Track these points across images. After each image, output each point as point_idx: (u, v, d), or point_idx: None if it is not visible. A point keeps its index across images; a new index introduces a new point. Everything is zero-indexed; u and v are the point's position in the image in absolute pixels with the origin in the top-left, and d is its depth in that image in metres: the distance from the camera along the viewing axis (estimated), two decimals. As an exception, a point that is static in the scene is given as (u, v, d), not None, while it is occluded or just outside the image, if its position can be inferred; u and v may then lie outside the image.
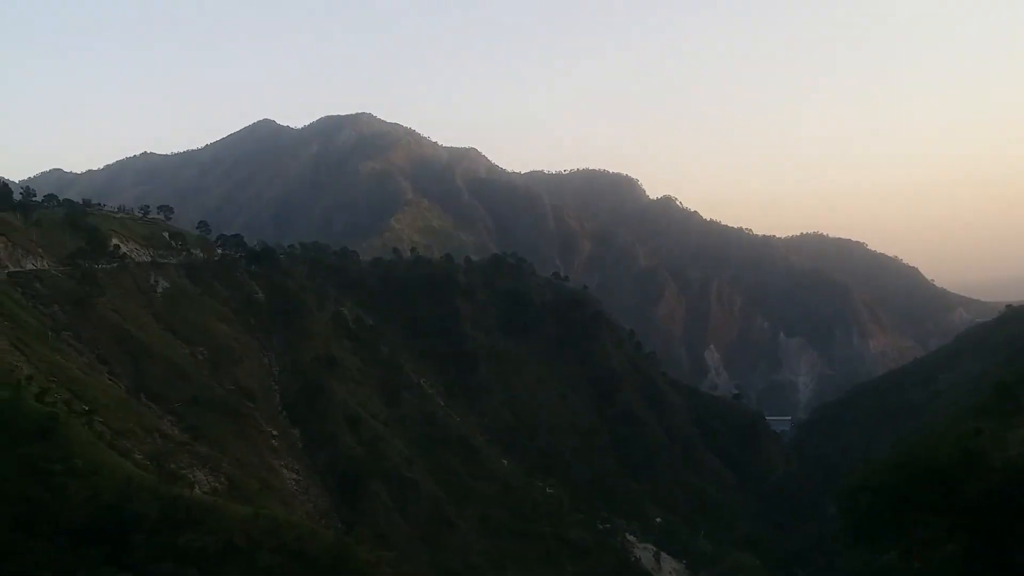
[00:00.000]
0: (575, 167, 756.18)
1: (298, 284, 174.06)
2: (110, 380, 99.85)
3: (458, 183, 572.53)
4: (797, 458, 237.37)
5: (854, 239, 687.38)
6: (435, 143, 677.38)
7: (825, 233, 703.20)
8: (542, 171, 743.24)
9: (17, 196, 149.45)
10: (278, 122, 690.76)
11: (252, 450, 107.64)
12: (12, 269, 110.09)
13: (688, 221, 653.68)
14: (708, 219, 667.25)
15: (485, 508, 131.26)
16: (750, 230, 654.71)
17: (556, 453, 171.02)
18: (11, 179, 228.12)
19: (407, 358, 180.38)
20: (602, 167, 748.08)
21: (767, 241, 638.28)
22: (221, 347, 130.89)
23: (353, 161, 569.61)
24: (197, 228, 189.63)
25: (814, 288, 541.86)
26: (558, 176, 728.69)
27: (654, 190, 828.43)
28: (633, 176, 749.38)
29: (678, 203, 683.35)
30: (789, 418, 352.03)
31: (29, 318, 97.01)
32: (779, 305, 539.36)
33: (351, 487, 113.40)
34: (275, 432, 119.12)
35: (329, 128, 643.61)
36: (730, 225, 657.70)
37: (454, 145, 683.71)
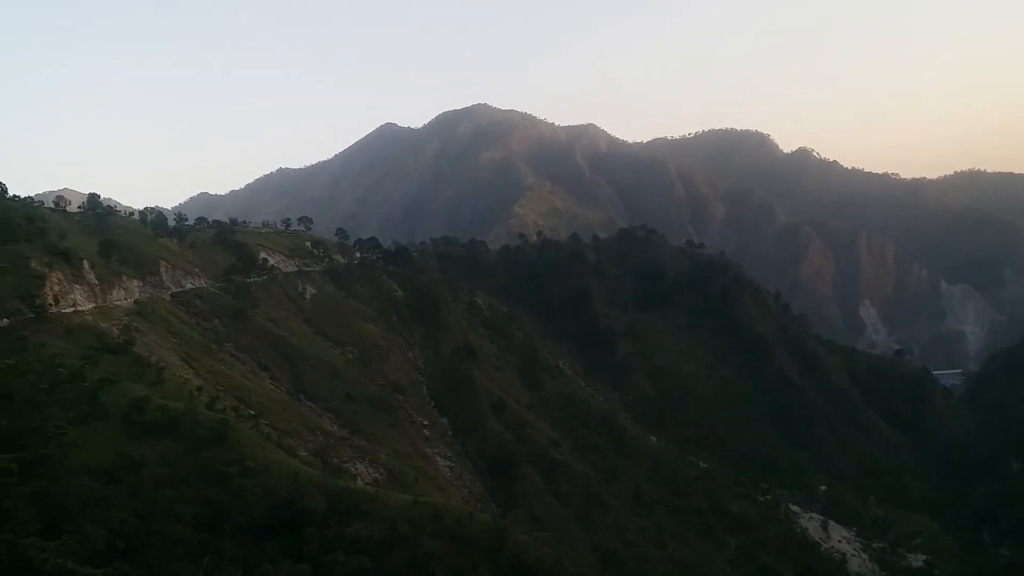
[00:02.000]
0: (700, 129, 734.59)
1: (432, 279, 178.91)
2: (271, 384, 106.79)
3: (578, 161, 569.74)
4: (972, 413, 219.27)
5: (1017, 172, 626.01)
6: (552, 124, 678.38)
7: (983, 169, 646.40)
8: (665, 138, 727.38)
9: (171, 222, 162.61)
10: (399, 124, 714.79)
11: (406, 441, 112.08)
12: (174, 290, 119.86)
13: (828, 172, 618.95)
14: (849, 167, 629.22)
15: (636, 485, 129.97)
16: (896, 174, 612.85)
17: (708, 425, 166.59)
18: (165, 207, 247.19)
19: (543, 341, 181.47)
20: (729, 126, 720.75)
21: (917, 184, 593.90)
22: (368, 345, 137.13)
23: (473, 152, 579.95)
24: (335, 235, 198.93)
25: (975, 230, 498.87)
26: (683, 141, 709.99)
27: (788, 143, 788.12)
28: (763, 131, 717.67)
29: (815, 154, 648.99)
30: (959, 371, 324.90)
31: (193, 333, 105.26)
32: (936, 251, 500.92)
33: (502, 471, 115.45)
34: (425, 422, 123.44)
35: (448, 123, 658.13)
36: (874, 172, 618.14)
37: (572, 123, 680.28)
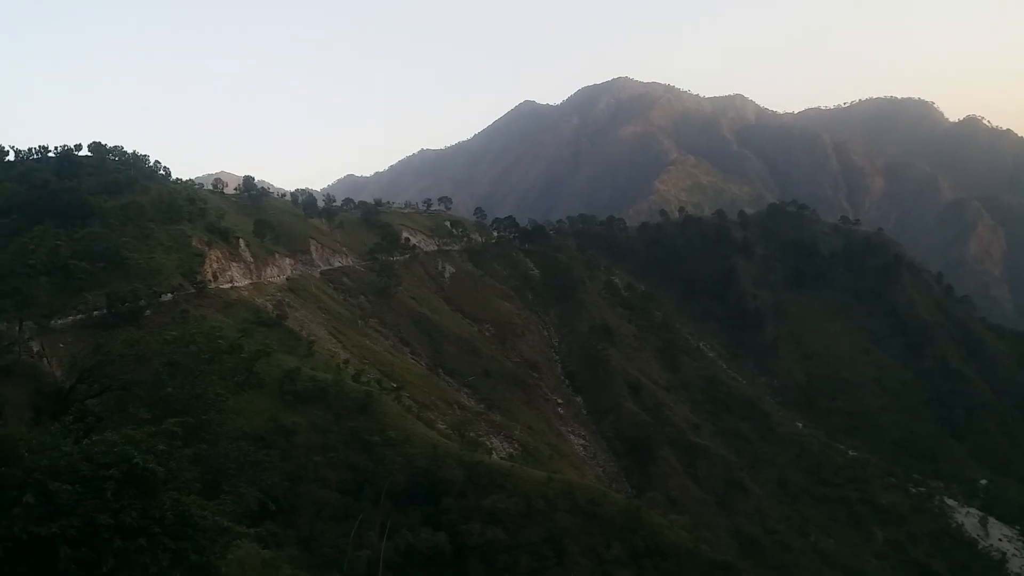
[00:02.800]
0: (857, 98, 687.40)
1: (569, 257, 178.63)
2: (412, 359, 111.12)
3: (724, 134, 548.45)
4: None
5: None
6: (696, 96, 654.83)
7: None
8: (819, 107, 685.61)
9: (320, 203, 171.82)
10: (538, 101, 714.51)
11: (541, 418, 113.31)
12: (323, 268, 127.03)
13: (1000, 141, 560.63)
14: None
15: (781, 472, 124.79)
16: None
17: (861, 413, 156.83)
18: (314, 188, 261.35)
19: (684, 322, 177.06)
20: (889, 94, 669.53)
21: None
22: (505, 323, 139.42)
23: (613, 128, 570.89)
24: (474, 214, 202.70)
25: None
26: (838, 111, 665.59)
27: (955, 112, 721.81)
28: (927, 99, 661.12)
29: (986, 122, 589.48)
30: None
31: (341, 309, 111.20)
32: None
33: (638, 452, 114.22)
34: (560, 400, 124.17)
35: (587, 98, 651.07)
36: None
37: (717, 94, 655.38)
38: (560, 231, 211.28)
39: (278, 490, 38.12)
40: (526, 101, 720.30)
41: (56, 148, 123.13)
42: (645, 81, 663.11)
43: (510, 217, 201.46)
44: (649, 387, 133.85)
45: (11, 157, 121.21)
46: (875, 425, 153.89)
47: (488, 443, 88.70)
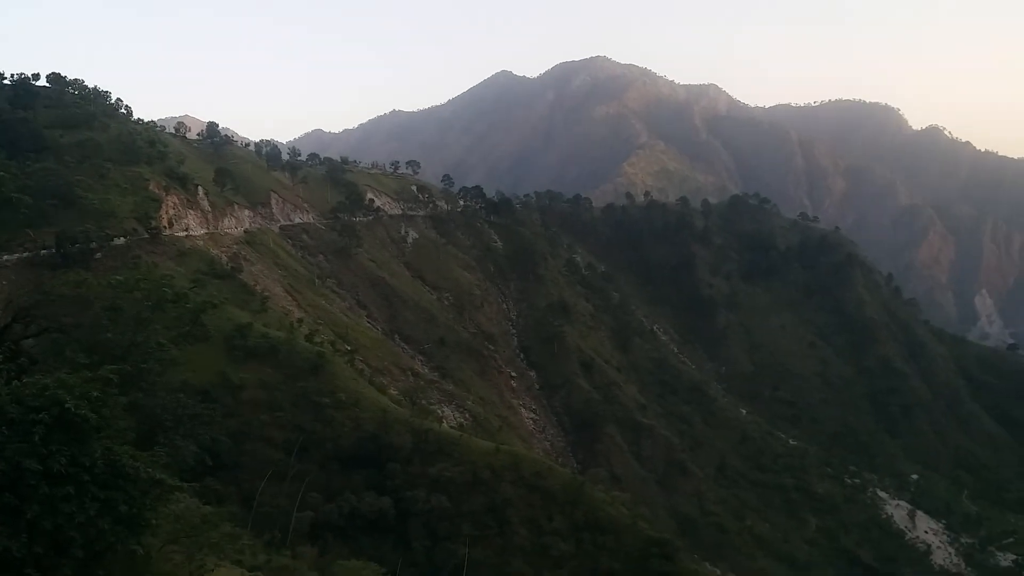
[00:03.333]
0: (826, 98, 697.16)
1: (533, 232, 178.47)
2: (368, 323, 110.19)
3: (696, 122, 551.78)
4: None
5: None
6: (672, 82, 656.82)
7: None
8: (789, 104, 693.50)
9: (285, 156, 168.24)
10: (515, 73, 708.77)
11: (493, 389, 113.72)
12: (283, 223, 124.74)
13: (958, 153, 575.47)
14: (982, 150, 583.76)
15: (722, 456, 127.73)
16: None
17: (803, 404, 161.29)
18: (280, 140, 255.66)
19: (639, 304, 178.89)
20: (858, 96, 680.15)
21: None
22: (464, 293, 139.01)
23: (587, 107, 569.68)
24: (441, 181, 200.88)
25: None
26: (807, 109, 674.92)
27: (918, 120, 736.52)
28: (893, 105, 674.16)
29: (946, 133, 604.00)
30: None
31: (298, 267, 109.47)
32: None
33: (586, 429, 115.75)
34: (513, 373, 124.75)
35: (564, 75, 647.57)
36: (1009, 156, 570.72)
37: (692, 82, 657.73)
38: (526, 206, 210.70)
39: (220, 446, 37.48)
40: (503, 71, 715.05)
41: (12, 76, 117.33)
42: (623, 62, 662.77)
43: (478, 187, 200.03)
44: (601, 366, 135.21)
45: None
46: (815, 417, 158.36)
47: (439, 411, 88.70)
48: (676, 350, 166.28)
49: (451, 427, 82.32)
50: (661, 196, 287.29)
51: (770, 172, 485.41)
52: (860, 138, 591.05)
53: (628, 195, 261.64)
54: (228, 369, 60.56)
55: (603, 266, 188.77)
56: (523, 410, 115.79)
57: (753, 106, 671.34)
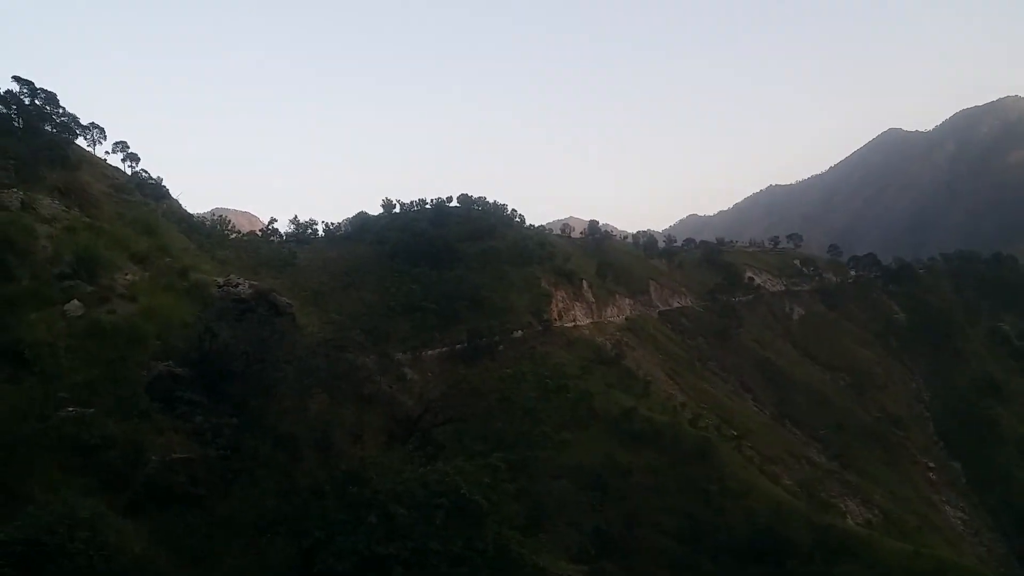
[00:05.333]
0: None
1: (943, 300, 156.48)
2: (754, 406, 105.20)
3: None
4: None
5: None
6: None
7: None
8: None
9: (661, 244, 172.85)
10: (905, 129, 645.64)
11: (906, 482, 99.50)
12: (661, 308, 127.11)
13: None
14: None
15: None
16: None
17: None
18: (656, 229, 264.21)
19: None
20: None
21: None
22: (862, 372, 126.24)
23: (998, 153, 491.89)
24: (827, 252, 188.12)
25: None
26: None
27: None
28: None
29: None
30: None
31: (678, 350, 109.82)
32: None
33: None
34: (931, 464, 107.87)
35: (966, 122, 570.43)
36: None
37: None
38: (932, 270, 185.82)
39: (610, 530, 37.85)
40: (891, 129, 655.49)
41: (432, 200, 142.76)
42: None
43: (871, 254, 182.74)
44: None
45: (397, 209, 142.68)
46: None
47: (842, 505, 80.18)
48: None
49: (857, 524, 73.97)
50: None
51: None
52: None
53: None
54: (616, 452, 62.11)
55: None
56: (947, 508, 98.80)
57: None
